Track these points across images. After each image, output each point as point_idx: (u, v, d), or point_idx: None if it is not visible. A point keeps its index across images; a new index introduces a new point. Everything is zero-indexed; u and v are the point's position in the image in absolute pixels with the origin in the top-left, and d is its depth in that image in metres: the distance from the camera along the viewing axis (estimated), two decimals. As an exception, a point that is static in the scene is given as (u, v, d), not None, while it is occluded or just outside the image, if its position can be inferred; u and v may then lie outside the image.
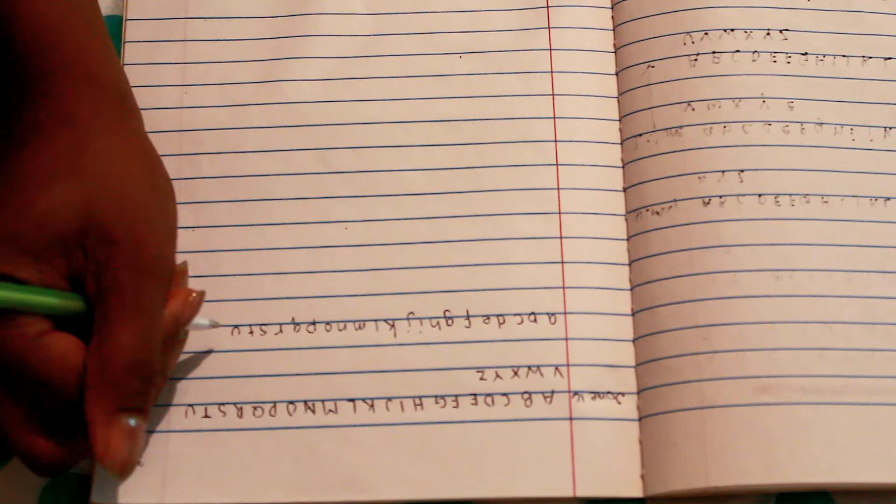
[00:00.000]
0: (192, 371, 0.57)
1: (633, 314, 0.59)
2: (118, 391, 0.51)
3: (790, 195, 0.59)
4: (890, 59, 0.63)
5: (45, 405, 0.52)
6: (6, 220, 0.52)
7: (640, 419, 0.57)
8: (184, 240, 0.59)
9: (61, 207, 0.52)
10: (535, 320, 0.59)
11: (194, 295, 0.55)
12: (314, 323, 0.59)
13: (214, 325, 0.57)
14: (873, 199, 0.60)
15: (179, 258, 0.57)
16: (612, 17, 0.65)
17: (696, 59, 0.62)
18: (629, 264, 0.60)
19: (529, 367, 0.58)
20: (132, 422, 0.51)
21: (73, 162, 0.53)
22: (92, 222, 0.52)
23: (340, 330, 0.58)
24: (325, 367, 0.58)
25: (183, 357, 0.57)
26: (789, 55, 0.63)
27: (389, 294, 0.59)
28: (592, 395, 0.57)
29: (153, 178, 0.55)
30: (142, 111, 0.58)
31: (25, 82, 0.55)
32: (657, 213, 0.60)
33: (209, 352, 0.58)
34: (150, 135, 0.58)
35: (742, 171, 0.60)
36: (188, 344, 0.57)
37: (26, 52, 0.54)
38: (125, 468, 0.52)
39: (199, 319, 0.56)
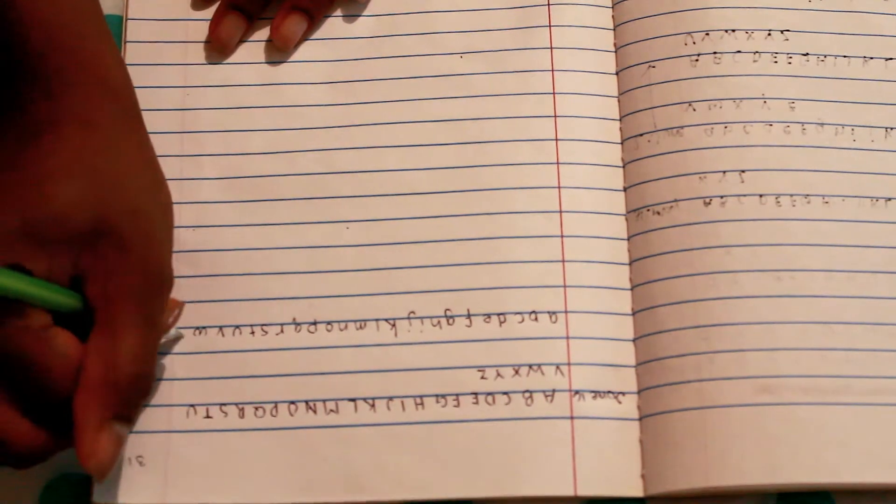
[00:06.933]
0: (193, 371, 0.57)
1: (633, 314, 0.59)
2: (118, 400, 0.51)
3: (791, 195, 0.59)
4: (891, 59, 0.63)
5: (32, 397, 0.52)
6: (21, 211, 0.51)
7: (640, 419, 0.57)
8: (186, 240, 0.59)
9: (78, 205, 0.52)
10: (536, 319, 0.58)
11: (179, 308, 0.57)
12: (315, 323, 0.59)
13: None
14: (874, 200, 0.60)
15: (182, 257, 0.57)
16: (613, 16, 0.65)
17: (697, 60, 0.62)
18: (630, 264, 0.60)
19: (530, 366, 0.58)
20: (119, 429, 0.52)
21: (89, 163, 0.53)
22: (106, 225, 0.52)
23: (342, 330, 0.58)
24: (326, 366, 0.58)
25: (185, 357, 0.58)
26: (790, 56, 0.63)
27: (390, 293, 0.59)
28: (593, 394, 0.57)
29: (159, 191, 0.56)
30: (143, 112, 0.58)
31: (39, 82, 0.54)
32: (658, 212, 0.60)
33: (210, 352, 0.58)
34: (151, 135, 0.58)
35: (743, 171, 0.60)
36: (190, 344, 0.58)
37: (41, 52, 0.54)
38: (105, 472, 0.52)
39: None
